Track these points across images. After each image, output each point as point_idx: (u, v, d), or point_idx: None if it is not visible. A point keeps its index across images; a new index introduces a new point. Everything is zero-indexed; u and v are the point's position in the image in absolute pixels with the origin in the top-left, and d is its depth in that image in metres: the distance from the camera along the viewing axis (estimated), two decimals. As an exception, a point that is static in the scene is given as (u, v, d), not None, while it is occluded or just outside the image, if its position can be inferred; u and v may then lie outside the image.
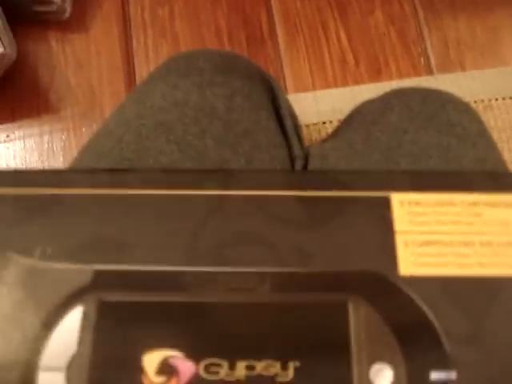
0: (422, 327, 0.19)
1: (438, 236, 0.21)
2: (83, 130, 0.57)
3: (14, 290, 0.20)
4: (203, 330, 0.20)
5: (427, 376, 0.19)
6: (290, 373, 0.19)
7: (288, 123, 0.39)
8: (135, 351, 0.20)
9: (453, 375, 0.19)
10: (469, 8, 0.66)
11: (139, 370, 0.19)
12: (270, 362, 0.19)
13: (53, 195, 0.21)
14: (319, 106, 0.49)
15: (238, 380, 0.19)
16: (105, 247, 0.20)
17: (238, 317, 0.20)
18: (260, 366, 0.19)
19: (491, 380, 0.19)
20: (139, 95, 0.37)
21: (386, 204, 0.21)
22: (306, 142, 0.45)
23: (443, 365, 0.19)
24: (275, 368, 0.19)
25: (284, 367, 0.19)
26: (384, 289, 0.20)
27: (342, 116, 0.49)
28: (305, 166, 0.37)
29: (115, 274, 0.20)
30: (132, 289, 0.20)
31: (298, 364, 0.19)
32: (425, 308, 0.20)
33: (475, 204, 0.21)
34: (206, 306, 0.20)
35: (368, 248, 0.20)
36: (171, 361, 0.19)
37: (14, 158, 0.58)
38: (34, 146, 0.58)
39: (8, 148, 0.58)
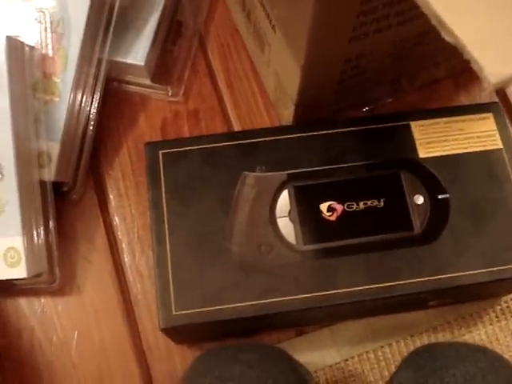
0: (433, 179, 0.46)
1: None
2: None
3: (251, 192, 0.46)
4: (343, 193, 0.46)
5: (437, 197, 0.46)
6: (382, 202, 0.46)
7: None
8: (316, 203, 0.45)
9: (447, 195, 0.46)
10: None
11: (319, 210, 0.45)
12: (372, 200, 0.46)
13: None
14: (337, 342, 0.50)
15: (360, 209, 0.45)
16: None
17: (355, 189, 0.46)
18: (368, 203, 0.46)
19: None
20: None
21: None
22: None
23: (443, 192, 0.46)
24: (373, 203, 0.45)
25: (378, 202, 0.46)
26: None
27: (363, 350, 0.50)
28: None
29: (299, 174, 0.46)
30: (307, 180, 0.46)
31: (383, 200, 0.46)
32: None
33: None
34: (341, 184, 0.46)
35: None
36: (332, 205, 0.45)
37: None
38: None
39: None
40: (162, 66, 0.57)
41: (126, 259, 0.52)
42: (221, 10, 0.60)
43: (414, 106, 0.57)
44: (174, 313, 0.43)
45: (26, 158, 0.49)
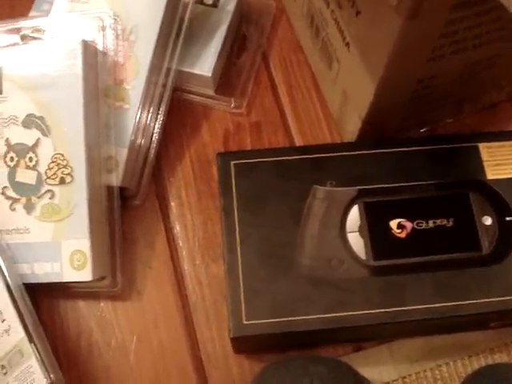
0: (501, 201, 0.47)
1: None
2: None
3: (321, 206, 0.46)
4: (413, 211, 0.46)
5: (505, 219, 0.46)
6: (451, 222, 0.46)
7: None
8: (386, 219, 0.46)
9: (514, 218, 0.46)
10: None
11: (389, 227, 0.46)
12: (441, 219, 0.46)
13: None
14: (395, 359, 0.49)
15: (429, 227, 0.46)
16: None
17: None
18: (437, 221, 0.46)
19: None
20: None
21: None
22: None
23: (511, 214, 0.46)
24: (442, 222, 0.46)
25: (447, 221, 0.46)
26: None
27: (421, 368, 0.49)
28: None
29: (369, 190, 0.47)
30: (378, 196, 0.47)
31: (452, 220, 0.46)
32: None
33: None
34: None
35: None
36: (401, 222, 0.46)
37: None
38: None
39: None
40: (226, 77, 0.58)
41: (185, 267, 0.53)
42: (284, 25, 0.61)
43: (473, 128, 0.57)
44: (244, 322, 0.43)
45: (95, 162, 0.50)
